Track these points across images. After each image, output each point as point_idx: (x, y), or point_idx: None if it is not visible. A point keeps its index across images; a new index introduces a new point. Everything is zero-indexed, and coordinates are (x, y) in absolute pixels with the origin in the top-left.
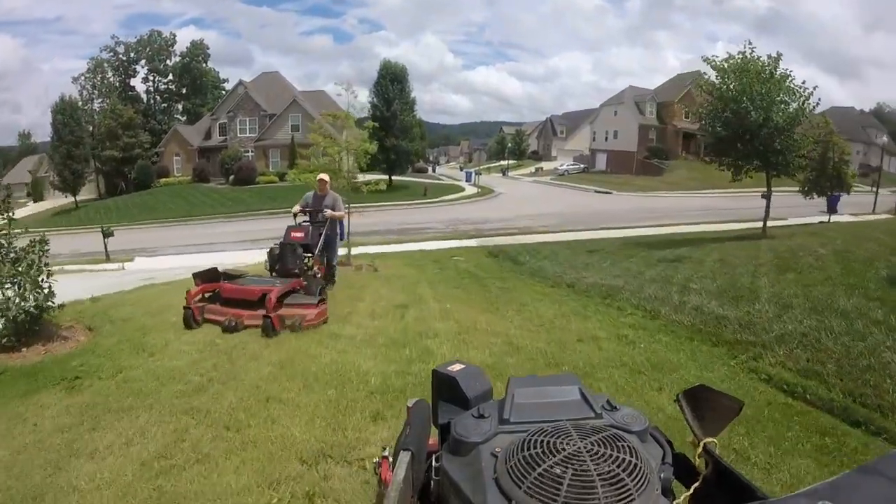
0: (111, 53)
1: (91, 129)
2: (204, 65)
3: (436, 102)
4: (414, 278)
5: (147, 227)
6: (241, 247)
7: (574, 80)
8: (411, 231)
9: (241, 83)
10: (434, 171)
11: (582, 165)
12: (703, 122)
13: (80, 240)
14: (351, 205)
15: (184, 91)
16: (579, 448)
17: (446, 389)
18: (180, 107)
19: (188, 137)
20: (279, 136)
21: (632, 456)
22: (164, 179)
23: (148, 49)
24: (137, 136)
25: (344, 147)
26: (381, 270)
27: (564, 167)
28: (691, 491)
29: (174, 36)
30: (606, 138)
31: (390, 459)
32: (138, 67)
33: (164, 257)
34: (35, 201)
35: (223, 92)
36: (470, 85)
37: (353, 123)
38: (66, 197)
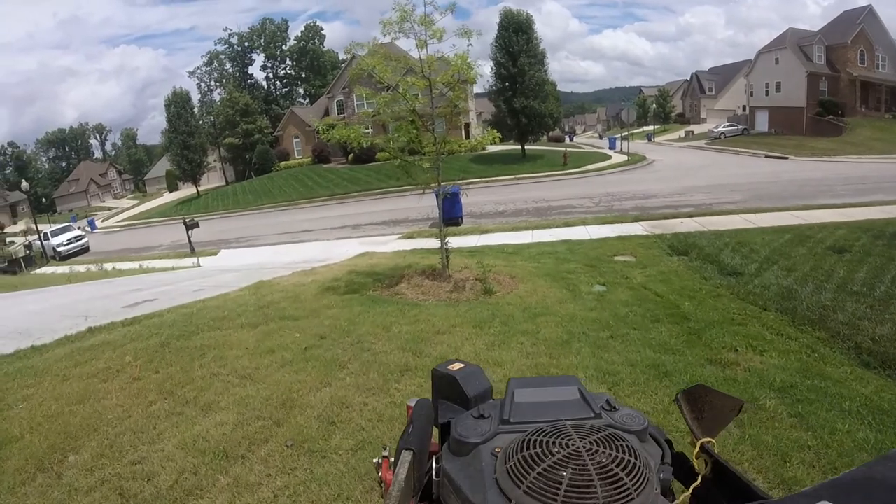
0: (226, 45)
1: (212, 119)
2: (320, 46)
3: (566, 71)
4: (556, 321)
5: (256, 213)
6: (339, 234)
7: (708, 36)
8: (550, 211)
9: (353, 57)
10: (571, 140)
11: (740, 126)
12: None
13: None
14: (460, 181)
15: (303, 75)
16: (578, 448)
17: (446, 389)
18: (301, 90)
19: (306, 118)
20: (398, 108)
21: (631, 455)
22: (284, 162)
23: (262, 37)
24: (256, 122)
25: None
26: (498, 291)
27: (720, 129)
28: (690, 491)
29: (286, 22)
30: (767, 92)
31: (391, 459)
32: (254, 56)
33: (250, 249)
34: (170, 191)
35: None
36: (599, 50)
37: (473, 75)
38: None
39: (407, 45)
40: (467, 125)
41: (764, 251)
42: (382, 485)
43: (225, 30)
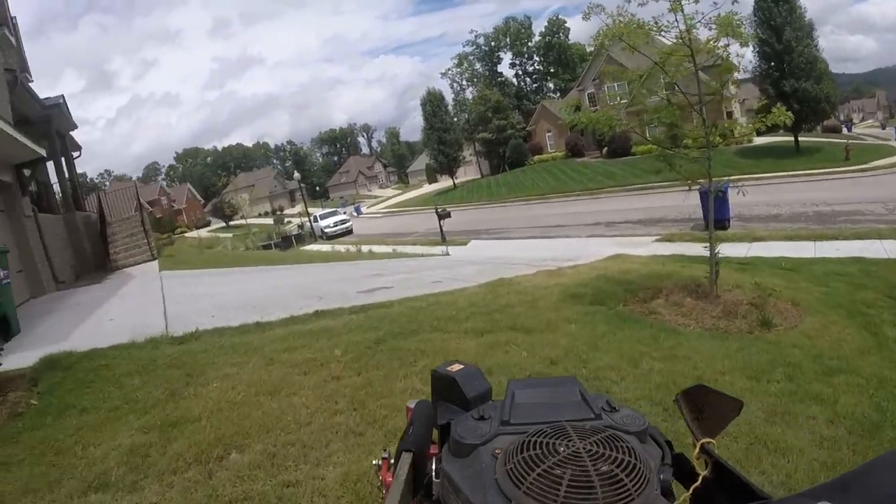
0: (473, 46)
1: (466, 116)
2: (566, 40)
3: (833, 49)
4: (859, 385)
5: (508, 206)
6: (590, 231)
7: None
8: (834, 217)
9: (602, 45)
10: (849, 129)
11: None
12: None
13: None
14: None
15: (551, 69)
16: (578, 449)
17: (446, 390)
18: (551, 85)
19: (557, 112)
20: (654, 98)
21: (631, 456)
22: (537, 156)
23: (507, 36)
24: (508, 118)
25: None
26: (778, 324)
27: None
28: (690, 492)
29: (529, 19)
30: None
31: (391, 461)
32: (502, 54)
33: (499, 242)
34: (429, 183)
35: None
36: (867, 20)
37: (744, 38)
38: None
39: (657, 9)
40: (730, 114)
41: None
42: (383, 487)
43: (471, 32)
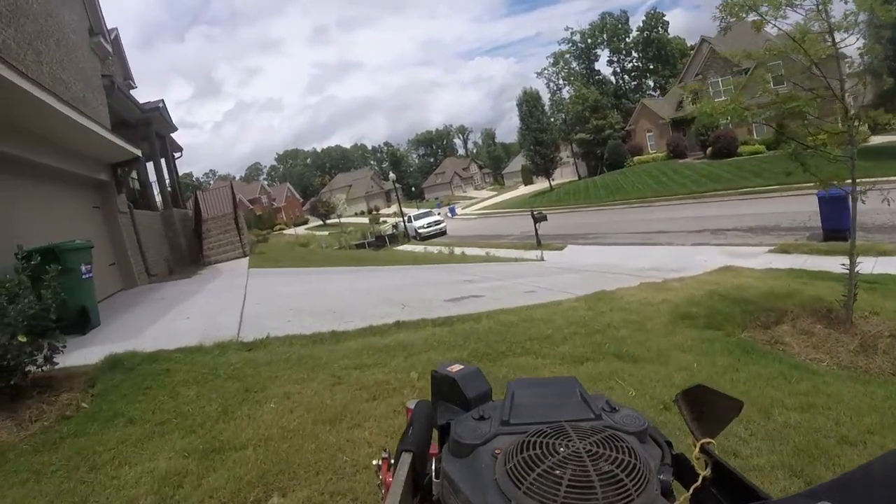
0: (569, 44)
1: (563, 116)
2: (665, 34)
3: None
4: None
5: (606, 209)
6: (696, 239)
7: None
8: None
9: (703, 40)
10: None
11: None
12: None
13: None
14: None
15: (650, 66)
16: (578, 449)
17: (446, 390)
18: (651, 82)
19: (658, 111)
20: (779, 86)
21: (630, 456)
22: (637, 157)
23: (603, 32)
24: (606, 117)
25: None
26: None
27: None
28: (690, 492)
29: (626, 14)
30: None
31: (391, 461)
32: (599, 52)
33: (598, 248)
34: (525, 185)
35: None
36: None
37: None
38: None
39: None
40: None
41: None
42: (382, 487)
43: (566, 30)
